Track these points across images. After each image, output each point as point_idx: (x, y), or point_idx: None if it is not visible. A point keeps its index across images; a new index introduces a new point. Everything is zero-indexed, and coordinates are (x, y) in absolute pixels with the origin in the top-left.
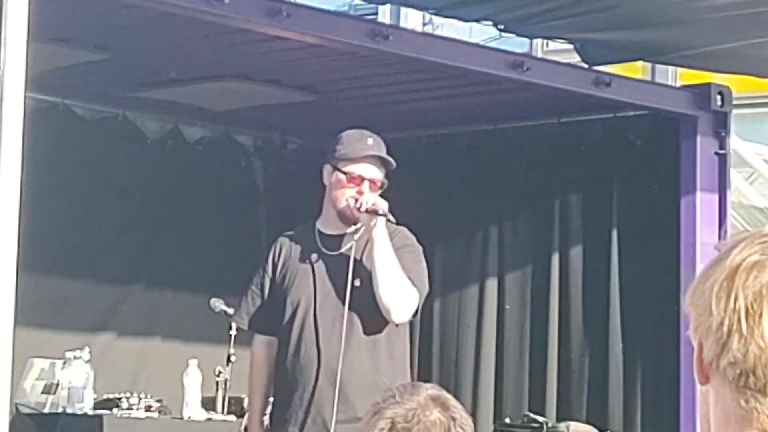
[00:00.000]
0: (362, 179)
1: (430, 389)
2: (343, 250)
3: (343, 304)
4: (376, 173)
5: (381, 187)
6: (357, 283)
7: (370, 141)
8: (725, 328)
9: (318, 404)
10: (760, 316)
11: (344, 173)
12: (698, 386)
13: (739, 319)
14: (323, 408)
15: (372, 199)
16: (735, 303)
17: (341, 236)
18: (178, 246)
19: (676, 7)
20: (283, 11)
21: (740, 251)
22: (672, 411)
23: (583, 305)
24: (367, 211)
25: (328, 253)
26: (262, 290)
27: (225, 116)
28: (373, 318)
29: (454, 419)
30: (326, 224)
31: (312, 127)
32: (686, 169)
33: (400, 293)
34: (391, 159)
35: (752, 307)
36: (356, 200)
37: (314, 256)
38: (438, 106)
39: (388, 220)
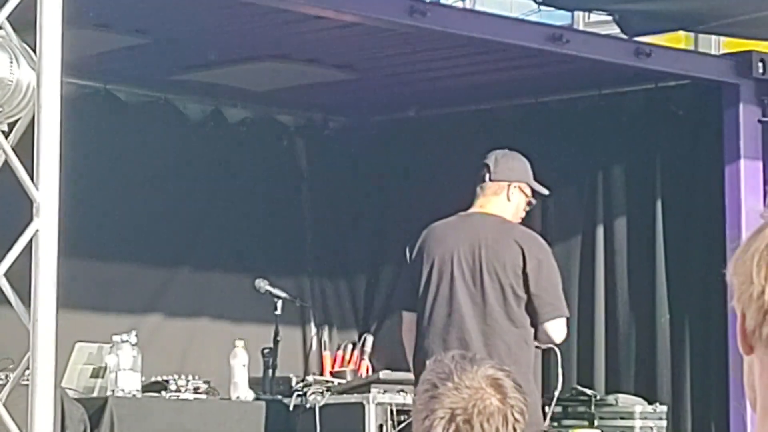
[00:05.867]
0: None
1: (488, 367)
2: None
3: None
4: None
5: None
6: None
7: None
8: (766, 297)
9: None
10: None
11: (533, 196)
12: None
13: None
14: None
15: None
16: None
17: None
18: (223, 227)
19: None
20: None
21: None
22: (721, 381)
23: (628, 277)
24: None
25: None
26: None
27: (266, 96)
28: None
29: (511, 405)
30: None
31: (353, 105)
32: (729, 137)
33: None
34: None
35: None
36: None
37: None
38: (478, 81)
39: None
